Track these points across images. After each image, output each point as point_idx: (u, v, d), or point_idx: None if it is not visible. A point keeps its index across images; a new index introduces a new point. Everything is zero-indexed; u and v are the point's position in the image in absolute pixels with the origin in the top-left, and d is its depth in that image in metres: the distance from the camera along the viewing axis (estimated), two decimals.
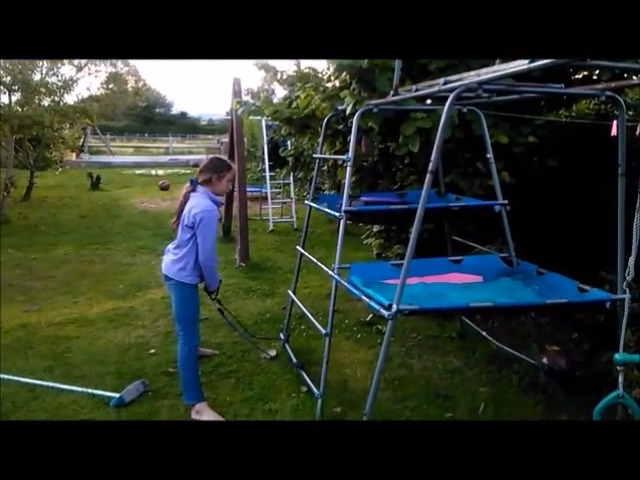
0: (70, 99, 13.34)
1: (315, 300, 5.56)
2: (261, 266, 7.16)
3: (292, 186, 10.73)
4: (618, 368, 2.33)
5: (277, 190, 11.27)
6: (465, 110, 3.81)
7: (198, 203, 3.34)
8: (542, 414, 3.44)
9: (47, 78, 12.59)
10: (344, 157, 3.62)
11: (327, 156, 5.26)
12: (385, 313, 2.66)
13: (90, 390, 3.69)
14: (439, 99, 3.34)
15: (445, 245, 4.46)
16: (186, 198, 3.42)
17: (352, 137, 3.51)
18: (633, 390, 3.11)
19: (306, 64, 5.04)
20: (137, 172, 22.03)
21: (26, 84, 11.73)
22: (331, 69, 4.86)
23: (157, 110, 53.16)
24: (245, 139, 9.76)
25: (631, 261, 2.40)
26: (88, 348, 4.49)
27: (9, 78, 11.66)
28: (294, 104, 4.91)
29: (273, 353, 4.36)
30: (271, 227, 9.81)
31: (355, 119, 3.50)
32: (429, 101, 3.83)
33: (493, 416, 3.42)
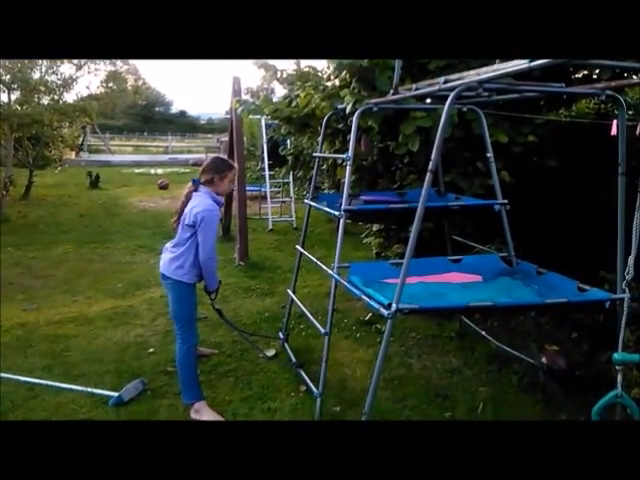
0: (69, 98, 13.37)
1: (314, 299, 5.56)
2: (260, 265, 7.16)
3: (291, 185, 10.73)
4: (617, 368, 2.33)
5: (276, 189, 11.27)
6: (465, 109, 3.81)
7: (200, 202, 3.35)
8: (541, 414, 3.44)
9: (46, 76, 12.61)
10: (344, 156, 3.61)
11: (327, 155, 5.26)
12: (385, 312, 2.66)
13: (89, 389, 3.69)
14: (439, 98, 3.34)
15: (445, 244, 4.46)
16: (188, 198, 3.43)
17: (352, 136, 3.51)
18: (632, 390, 3.10)
19: (306, 63, 5.04)
20: (136, 171, 22.01)
21: (25, 82, 11.73)
22: (331, 68, 4.85)
23: (156, 109, 53.14)
24: (245, 138, 9.77)
25: (630, 260, 2.41)
26: (87, 347, 4.49)
27: (8, 76, 11.66)
28: (294, 103, 4.90)
29: (272, 352, 4.36)
30: (270, 226, 9.80)
31: (355, 118, 3.49)
32: (429, 100, 3.82)
33: (492, 416, 3.42)
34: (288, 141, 9.58)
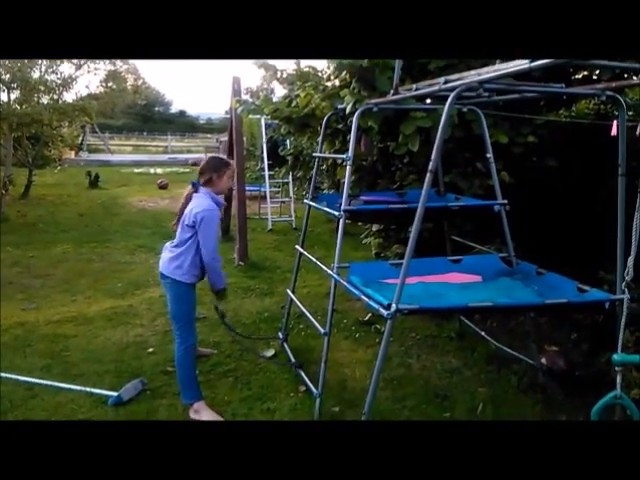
0: (69, 97, 13.36)
1: (314, 299, 5.56)
2: (260, 265, 7.15)
3: (291, 185, 10.73)
4: (616, 369, 2.33)
5: (276, 189, 11.27)
6: (465, 109, 3.81)
7: (199, 203, 3.35)
8: (541, 414, 3.44)
9: (46, 76, 12.59)
10: (344, 156, 3.61)
11: (327, 155, 5.26)
12: (384, 312, 2.66)
13: (88, 389, 3.69)
14: (439, 98, 3.34)
15: (444, 245, 4.46)
16: (188, 199, 3.45)
17: (352, 136, 3.51)
18: (631, 391, 3.10)
19: (306, 63, 5.04)
20: (136, 170, 22.00)
21: (25, 82, 11.72)
22: (331, 68, 4.86)
23: (156, 108, 53.14)
24: (244, 138, 9.76)
25: (630, 261, 2.40)
26: (86, 347, 4.48)
27: (8, 76, 11.65)
28: (294, 103, 4.90)
29: (271, 353, 4.36)
30: (270, 226, 9.80)
31: (355, 118, 3.49)
32: (429, 100, 3.82)
33: (492, 416, 3.42)
34: (288, 141, 9.57)
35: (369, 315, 4.99)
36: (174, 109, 56.05)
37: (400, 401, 3.62)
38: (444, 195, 4.33)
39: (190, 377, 3.46)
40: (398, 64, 3.38)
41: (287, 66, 5.03)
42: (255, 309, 5.43)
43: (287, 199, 10.60)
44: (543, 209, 4.88)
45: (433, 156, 2.61)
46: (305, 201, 4.25)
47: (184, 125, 47.37)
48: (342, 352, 4.39)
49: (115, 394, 3.55)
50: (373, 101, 3.61)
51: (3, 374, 3.87)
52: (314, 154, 4.75)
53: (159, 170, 22.12)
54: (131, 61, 21.83)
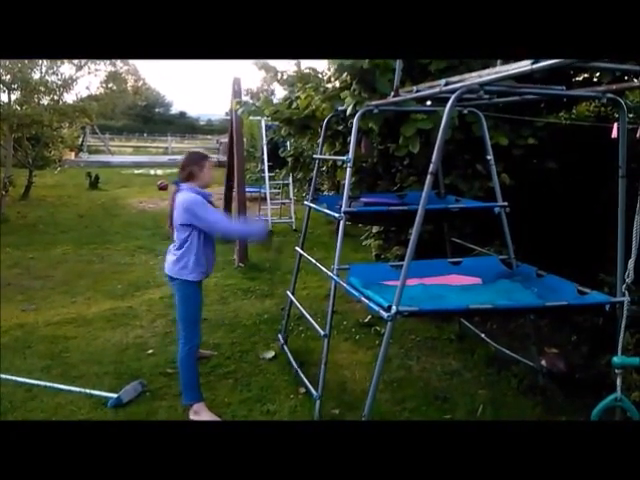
0: (69, 98, 13.37)
1: (314, 301, 5.55)
2: (260, 267, 7.14)
3: (291, 187, 10.73)
4: (616, 371, 2.33)
5: (276, 191, 11.26)
6: (466, 111, 3.81)
7: (182, 198, 3.37)
8: (541, 416, 3.43)
9: (46, 77, 12.60)
10: (344, 158, 3.61)
11: (327, 157, 5.26)
12: (384, 314, 2.65)
13: (88, 390, 3.68)
14: (439, 100, 3.34)
15: (444, 246, 4.45)
16: (173, 200, 3.45)
17: (352, 138, 3.51)
18: (632, 393, 3.10)
19: (306, 64, 5.04)
20: (136, 172, 22.02)
21: (25, 83, 11.73)
22: (331, 70, 4.85)
23: (156, 110, 53.12)
24: (244, 139, 9.75)
25: (630, 264, 2.40)
26: (86, 348, 4.48)
27: (8, 77, 11.66)
28: (294, 104, 4.90)
29: (271, 354, 4.35)
30: (270, 227, 9.79)
31: (355, 120, 3.49)
32: (429, 102, 3.82)
33: (492, 418, 3.41)
34: (288, 142, 9.57)
35: (369, 317, 4.99)
36: (174, 110, 56.04)
37: (400, 403, 3.62)
38: (444, 197, 4.32)
39: (192, 378, 3.46)
40: (399, 65, 3.38)
41: (287, 67, 5.04)
42: (255, 310, 5.42)
43: (287, 200, 10.60)
44: (543, 211, 4.88)
45: (434, 158, 2.61)
46: (305, 203, 4.25)
47: (184, 126, 47.33)
48: (342, 354, 4.39)
49: (115, 396, 3.55)
50: (373, 103, 3.61)
51: (3, 375, 3.86)
52: (314, 156, 4.75)
53: (159, 171, 22.11)
54: (131, 62, 21.76)
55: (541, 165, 4.82)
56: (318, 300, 5.60)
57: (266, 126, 10.16)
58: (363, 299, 2.94)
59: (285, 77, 5.02)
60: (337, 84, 4.54)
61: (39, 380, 3.82)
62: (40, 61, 12.19)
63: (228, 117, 9.65)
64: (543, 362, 3.84)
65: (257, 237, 3.61)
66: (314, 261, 3.96)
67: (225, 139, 9.43)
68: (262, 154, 10.42)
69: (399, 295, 2.62)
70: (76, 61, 13.29)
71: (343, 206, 3.42)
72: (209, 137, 37.84)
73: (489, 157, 3.76)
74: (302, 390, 3.74)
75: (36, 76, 12.35)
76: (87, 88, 23.94)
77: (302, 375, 3.83)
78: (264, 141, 10.32)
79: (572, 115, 5.32)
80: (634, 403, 2.44)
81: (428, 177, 2.62)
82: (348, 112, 3.79)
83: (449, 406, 3.59)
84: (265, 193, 10.26)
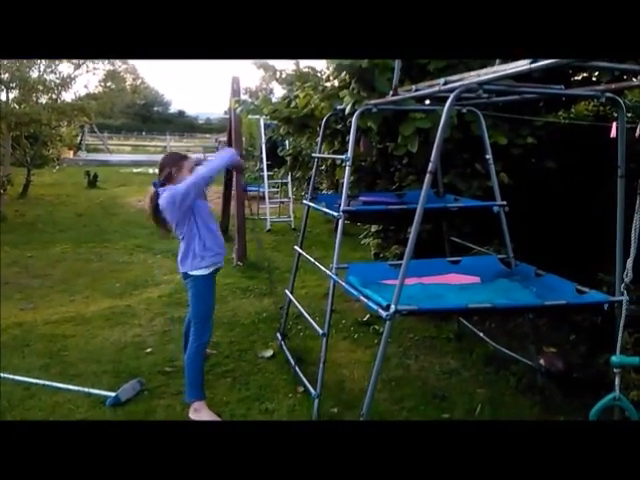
0: (68, 97, 13.39)
1: (312, 300, 5.55)
2: (258, 266, 7.14)
3: (290, 185, 10.72)
4: (615, 370, 2.33)
5: (275, 189, 11.26)
6: (464, 110, 3.81)
7: (161, 203, 3.31)
8: (539, 416, 3.44)
9: (45, 75, 12.59)
10: (343, 157, 3.61)
11: (326, 155, 5.26)
12: (383, 313, 2.65)
13: (86, 389, 3.68)
14: (438, 99, 3.34)
15: (443, 246, 4.46)
16: (151, 200, 3.41)
17: (351, 137, 3.51)
18: (630, 392, 3.10)
19: (305, 63, 5.04)
20: (134, 170, 21.96)
21: (24, 81, 11.72)
22: (330, 69, 4.85)
23: (155, 108, 53.15)
24: (243, 138, 9.74)
25: (629, 263, 2.41)
26: (84, 347, 4.47)
27: (7, 75, 11.64)
28: (293, 103, 4.90)
29: (270, 353, 4.35)
30: (268, 227, 9.80)
31: (354, 119, 3.49)
32: (428, 101, 3.82)
33: (490, 417, 3.41)
34: (287, 141, 9.58)
35: (367, 316, 4.99)
36: (173, 109, 56.10)
37: (398, 402, 3.62)
38: (443, 196, 4.32)
39: (197, 375, 3.46)
40: (397, 65, 3.37)
41: (286, 66, 5.04)
42: (254, 309, 5.42)
43: (286, 199, 10.59)
44: (542, 210, 4.88)
45: (432, 157, 2.61)
46: (304, 201, 4.25)
47: (183, 125, 47.37)
48: (341, 353, 4.39)
49: (113, 394, 3.54)
50: (372, 102, 3.61)
51: (1, 374, 3.86)
52: (313, 154, 4.75)
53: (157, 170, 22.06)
54: (130, 61, 21.81)
55: (540, 164, 4.83)
56: (317, 299, 5.60)
57: (265, 125, 10.17)
58: (362, 298, 2.94)
59: (284, 76, 5.02)
60: (336, 83, 4.53)
61: (37, 379, 3.81)
62: (38, 60, 12.17)
63: (227, 116, 9.63)
64: (542, 361, 3.84)
65: (230, 162, 3.54)
66: (313, 260, 3.96)
67: (224, 138, 9.43)
68: (261, 153, 10.42)
69: (398, 294, 2.62)
70: (74, 60, 13.28)
71: (342, 205, 3.42)
72: (208, 136, 37.83)
73: (488, 156, 3.76)
74: (301, 389, 3.74)
75: (34, 75, 12.35)
76: (86, 87, 24.01)
77: (301, 374, 3.83)
78: (263, 140, 10.31)
79: (571, 114, 5.32)
80: (632, 402, 2.44)
81: (427, 176, 2.62)
82: (347, 111, 3.79)
83: (447, 405, 3.59)
84: (264, 192, 10.26)
